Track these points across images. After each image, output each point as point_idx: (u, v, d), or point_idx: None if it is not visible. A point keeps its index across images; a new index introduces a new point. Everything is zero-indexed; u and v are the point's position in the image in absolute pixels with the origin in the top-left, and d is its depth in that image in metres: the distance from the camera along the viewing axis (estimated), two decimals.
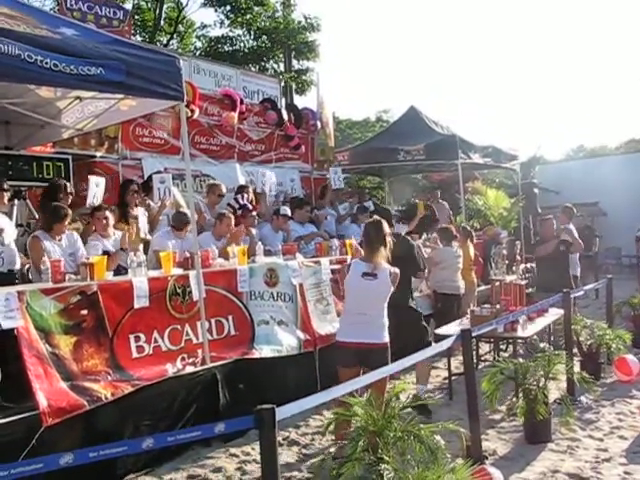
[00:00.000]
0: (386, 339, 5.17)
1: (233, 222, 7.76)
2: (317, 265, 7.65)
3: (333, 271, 7.74)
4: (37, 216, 7.04)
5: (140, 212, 7.51)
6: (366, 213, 10.98)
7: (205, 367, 5.89)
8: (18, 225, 6.78)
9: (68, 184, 7.13)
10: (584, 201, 18.75)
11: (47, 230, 6.22)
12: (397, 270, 5.22)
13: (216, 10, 19.66)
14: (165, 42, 19.93)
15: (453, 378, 7.19)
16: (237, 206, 8.43)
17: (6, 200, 6.43)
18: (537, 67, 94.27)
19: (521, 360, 6.10)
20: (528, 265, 11.32)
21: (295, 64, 19.70)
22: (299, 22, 19.26)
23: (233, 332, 6.49)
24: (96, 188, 7.23)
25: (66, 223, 6.29)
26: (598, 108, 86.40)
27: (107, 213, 6.85)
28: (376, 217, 5.49)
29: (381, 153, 13.31)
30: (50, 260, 5.35)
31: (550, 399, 6.01)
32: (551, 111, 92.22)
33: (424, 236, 10.25)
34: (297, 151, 11.88)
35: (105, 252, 6.38)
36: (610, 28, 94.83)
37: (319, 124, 12.32)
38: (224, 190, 8.97)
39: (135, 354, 5.51)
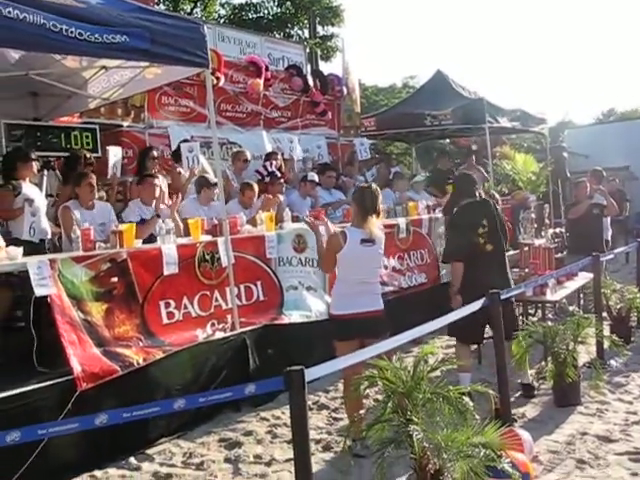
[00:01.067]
0: (383, 305, 5.09)
1: (257, 192, 7.80)
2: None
3: None
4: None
5: (160, 180, 7.53)
6: (402, 179, 10.96)
7: (235, 332, 5.97)
8: (48, 195, 6.86)
9: (88, 154, 7.19)
10: (614, 165, 18.45)
11: (75, 198, 6.30)
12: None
13: None
14: (189, 10, 19.83)
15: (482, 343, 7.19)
16: (265, 173, 8.44)
17: (35, 170, 6.51)
18: (566, 28, 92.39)
19: (550, 324, 6.07)
20: (557, 230, 11.21)
21: (320, 30, 19.55)
22: None
23: (262, 298, 6.55)
24: (115, 158, 7.30)
25: (89, 187, 6.33)
26: (630, 70, 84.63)
27: (156, 181, 6.90)
28: (373, 184, 5.38)
29: (407, 118, 13.19)
30: (80, 229, 5.42)
31: (579, 363, 6.00)
32: (581, 74, 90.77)
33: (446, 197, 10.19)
34: (323, 117, 11.82)
35: (142, 220, 6.46)
36: None
37: (345, 90, 12.24)
38: (249, 156, 8.99)
39: (165, 320, 5.59)
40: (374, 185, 5.27)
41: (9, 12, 4.26)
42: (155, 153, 7.85)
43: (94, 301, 5.07)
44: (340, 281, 5.06)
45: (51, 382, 4.57)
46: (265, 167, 8.55)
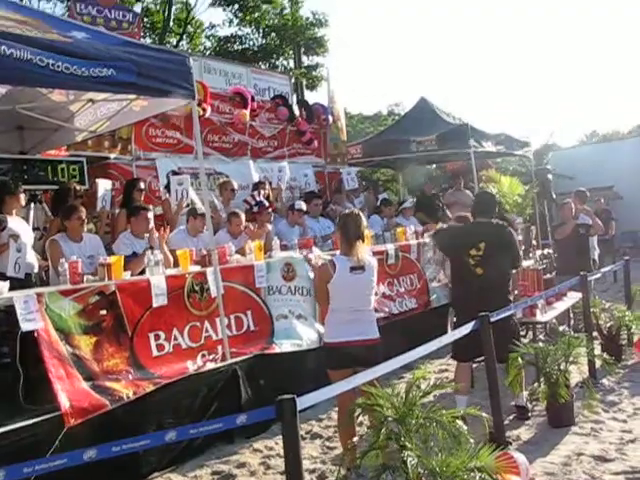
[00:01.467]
0: (378, 333, 5.00)
1: (244, 220, 7.83)
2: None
3: None
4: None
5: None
6: (390, 205, 11.03)
7: (226, 363, 5.93)
8: (35, 229, 6.84)
9: (78, 186, 7.20)
10: (599, 185, 18.65)
11: (64, 231, 6.28)
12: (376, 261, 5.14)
13: (224, 9, 19.73)
14: (175, 43, 20.00)
15: (474, 365, 7.17)
16: (253, 202, 8.46)
17: (22, 204, 6.50)
18: (548, 54, 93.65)
19: (541, 344, 6.08)
20: (545, 251, 11.28)
21: (305, 60, 19.75)
22: (307, 18, 19.28)
23: (252, 327, 6.53)
24: (104, 191, 7.31)
25: (79, 221, 6.33)
26: (610, 93, 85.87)
27: (150, 215, 6.90)
28: (354, 210, 5.31)
29: (393, 145, 13.30)
30: (68, 261, 5.39)
31: (572, 382, 6.00)
32: (563, 98, 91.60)
33: (438, 225, 10.25)
34: (310, 146, 11.89)
35: (134, 253, 6.44)
36: (622, 14, 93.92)
37: (331, 118, 12.33)
38: (236, 185, 9.04)
39: (155, 352, 5.55)
40: (356, 211, 5.23)
41: None
42: (142, 185, 7.87)
43: (82, 334, 5.03)
44: (333, 310, 4.97)
45: (39, 419, 4.51)
46: (253, 196, 8.57)
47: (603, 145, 28.28)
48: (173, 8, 20.30)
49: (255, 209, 8.37)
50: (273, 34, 19.32)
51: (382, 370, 4.22)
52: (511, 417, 5.95)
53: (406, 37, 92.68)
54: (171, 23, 20.22)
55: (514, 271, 7.82)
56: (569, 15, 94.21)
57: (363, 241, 5.02)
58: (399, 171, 16.88)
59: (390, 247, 8.64)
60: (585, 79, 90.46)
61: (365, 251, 5.05)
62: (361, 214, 5.11)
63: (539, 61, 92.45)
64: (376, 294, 7.66)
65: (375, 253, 7.76)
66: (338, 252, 5.14)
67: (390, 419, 3.87)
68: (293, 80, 15.65)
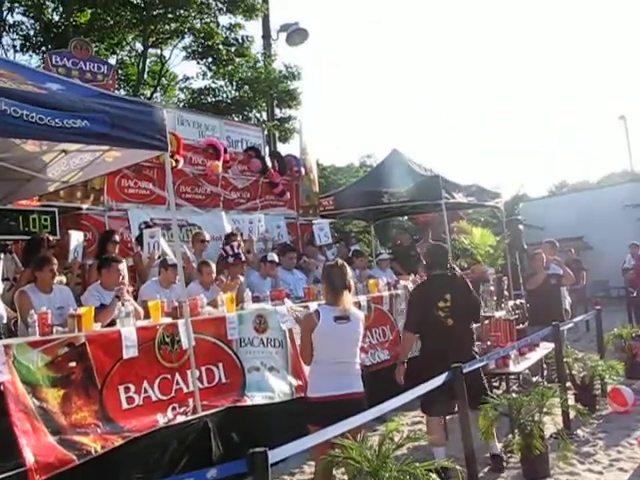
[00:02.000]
0: (363, 387, 4.93)
1: (214, 269, 7.83)
2: (306, 310, 7.62)
3: None
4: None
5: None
6: (361, 257, 11.07)
7: (196, 416, 5.82)
8: (5, 279, 6.75)
9: (50, 237, 7.15)
10: (569, 236, 18.94)
11: (34, 282, 6.21)
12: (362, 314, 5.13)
13: (198, 62, 19.95)
14: (149, 95, 20.11)
15: (448, 417, 7.12)
16: (231, 253, 8.45)
17: None
18: (517, 106, 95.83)
19: (515, 395, 6.07)
20: (517, 301, 11.34)
21: (278, 112, 19.89)
22: (280, 71, 19.51)
23: (224, 380, 6.44)
24: (77, 243, 7.26)
25: (51, 273, 6.27)
26: (579, 144, 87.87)
27: (120, 266, 6.84)
28: (339, 260, 5.33)
29: (365, 197, 13.36)
30: (37, 313, 5.31)
31: (546, 434, 5.98)
32: (533, 149, 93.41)
33: (411, 276, 10.30)
34: (282, 198, 11.97)
35: (102, 305, 6.37)
36: (587, 67, 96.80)
37: (303, 170, 12.44)
38: (207, 237, 9.04)
39: (125, 405, 5.44)
40: (340, 261, 5.25)
41: None
42: (117, 237, 7.87)
43: (50, 387, 4.92)
44: (317, 362, 4.90)
45: (2, 475, 4.37)
46: (232, 247, 8.55)
47: (573, 195, 28.82)
48: (147, 61, 20.49)
49: (230, 260, 8.35)
50: (246, 87, 19.50)
51: (355, 422, 4.18)
52: (486, 469, 5.90)
53: (377, 89, 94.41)
54: (145, 75, 20.38)
55: (486, 322, 7.89)
56: (536, 68, 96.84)
57: (349, 291, 5.01)
58: (371, 223, 16.98)
59: (362, 299, 8.63)
60: (554, 130, 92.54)
61: (351, 302, 5.03)
62: (345, 264, 5.13)
63: (508, 111, 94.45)
64: None
65: None
66: (320, 303, 5.13)
67: (364, 472, 3.82)
68: (266, 132, 15.80)
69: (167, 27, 18.85)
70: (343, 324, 4.84)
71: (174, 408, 5.78)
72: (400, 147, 14.38)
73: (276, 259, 9.07)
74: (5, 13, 17.89)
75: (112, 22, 17.96)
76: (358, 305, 8.36)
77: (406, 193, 12.56)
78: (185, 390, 5.96)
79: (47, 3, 17.77)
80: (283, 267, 9.34)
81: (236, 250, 8.47)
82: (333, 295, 4.93)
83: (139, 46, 20.18)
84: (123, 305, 5.90)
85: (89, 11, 17.87)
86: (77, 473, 4.68)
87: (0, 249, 6.85)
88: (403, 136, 79.12)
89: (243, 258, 8.47)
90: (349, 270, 5.12)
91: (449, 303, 5.99)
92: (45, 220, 7.61)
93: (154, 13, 17.97)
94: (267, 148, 14.19)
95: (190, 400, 5.92)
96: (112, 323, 6.04)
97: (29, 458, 4.45)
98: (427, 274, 6.56)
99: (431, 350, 5.99)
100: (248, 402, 6.39)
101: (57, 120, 4.73)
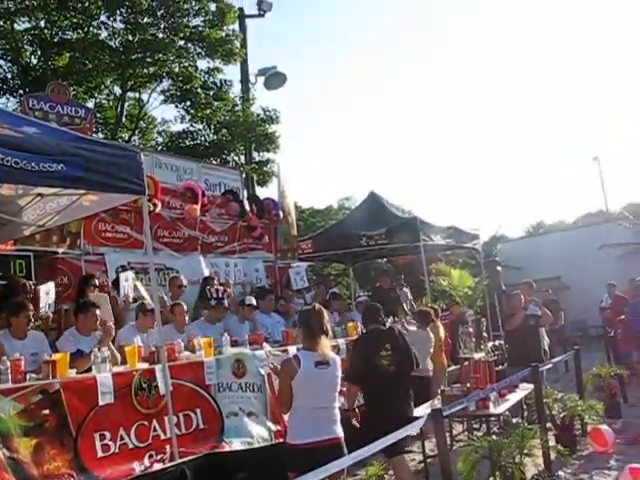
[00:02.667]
0: (342, 431, 4.91)
1: (186, 310, 7.82)
2: (285, 354, 7.55)
3: None
4: None
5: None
6: (339, 300, 11.05)
7: (174, 463, 5.70)
8: None
9: (28, 283, 7.06)
10: (547, 276, 19.10)
11: (8, 327, 6.11)
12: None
13: (177, 106, 20.02)
14: (127, 138, 20.12)
15: (428, 460, 7.06)
16: (215, 296, 8.40)
17: None
18: (494, 148, 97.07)
19: (495, 437, 6.03)
20: (496, 342, 11.36)
21: (256, 156, 19.97)
22: (258, 115, 19.65)
23: (202, 426, 6.32)
24: (47, 296, 7.16)
25: (26, 319, 6.16)
26: (555, 185, 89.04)
27: (97, 312, 6.75)
28: (316, 305, 5.37)
29: (344, 239, 13.43)
30: (10, 359, 5.21)
31: (528, 475, 5.94)
32: (510, 190, 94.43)
33: (389, 319, 10.27)
34: (260, 241, 11.97)
35: (79, 351, 6.27)
36: (561, 110, 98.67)
37: (281, 213, 12.46)
38: (184, 281, 8.97)
39: (100, 453, 5.32)
40: (318, 305, 5.26)
41: None
42: (96, 281, 7.79)
43: (22, 436, 4.80)
44: (298, 407, 4.85)
45: None
46: (217, 291, 8.51)
47: (550, 236, 29.15)
48: (126, 104, 20.58)
49: (212, 302, 8.33)
50: (224, 130, 19.59)
51: (335, 467, 4.12)
52: None
53: (355, 132, 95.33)
54: (123, 119, 20.43)
55: (466, 363, 7.89)
56: (513, 109, 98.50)
57: (327, 336, 5.01)
58: (350, 265, 17.01)
59: (342, 342, 8.58)
60: (531, 170, 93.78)
61: (328, 346, 5.03)
62: (323, 309, 5.13)
63: (486, 152, 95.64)
64: None
65: None
66: (298, 347, 5.09)
67: None
68: (244, 175, 15.84)
69: (145, 71, 18.97)
70: (324, 369, 4.83)
71: (151, 455, 5.66)
72: (378, 189, 14.55)
73: (254, 303, 9.02)
74: None
75: (90, 66, 18.02)
76: (337, 349, 8.31)
77: (385, 235, 12.63)
78: (162, 437, 5.85)
79: (25, 47, 17.85)
80: (261, 311, 9.28)
81: (220, 295, 8.44)
82: (311, 340, 4.92)
83: (117, 89, 20.27)
84: (99, 350, 5.81)
85: (67, 55, 17.95)
86: None
87: None
88: (382, 177, 79.53)
89: (225, 304, 8.44)
90: (326, 314, 5.13)
91: (390, 352, 6.38)
92: (20, 265, 7.53)
93: (132, 57, 18.09)
94: (245, 191, 14.21)
95: (167, 447, 5.80)
96: (88, 369, 5.95)
97: None
98: (365, 328, 7.12)
99: (377, 400, 6.35)
100: (227, 448, 6.28)
101: (33, 164, 4.72)
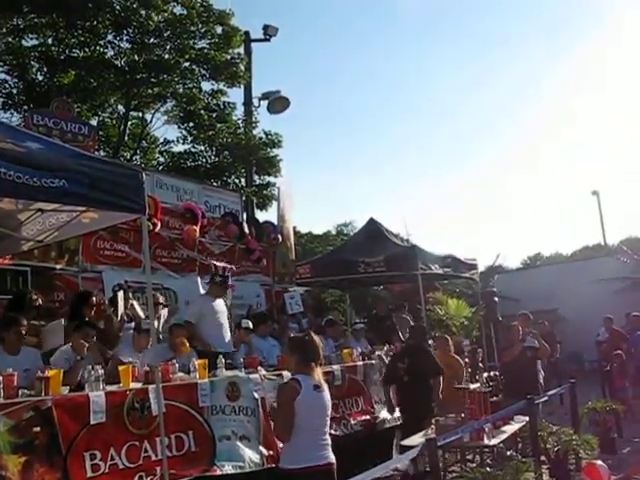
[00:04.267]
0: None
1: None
2: (279, 378, 7.51)
3: None
4: None
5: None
6: (335, 326, 11.03)
7: None
8: None
9: (34, 296, 7.04)
10: (544, 308, 19.08)
11: (1, 343, 6.08)
12: None
13: (179, 127, 20.13)
14: (129, 157, 20.15)
15: None
16: (220, 274, 8.68)
17: None
18: (493, 178, 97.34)
19: (489, 469, 5.98)
20: (491, 373, 11.30)
21: (256, 179, 20.02)
22: (260, 138, 19.75)
23: (193, 448, 6.26)
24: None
25: (16, 335, 6.15)
26: (552, 218, 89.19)
27: (92, 333, 6.74)
28: (310, 333, 5.38)
29: (341, 265, 13.43)
30: (3, 375, 5.18)
31: None
32: (508, 221, 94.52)
33: (386, 347, 10.24)
34: (258, 264, 11.96)
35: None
36: (560, 143, 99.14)
37: (280, 237, 12.47)
38: (161, 299, 8.83)
39: (90, 473, 5.26)
40: (313, 334, 5.29)
41: None
42: (94, 300, 7.77)
43: (11, 454, 4.74)
44: (299, 430, 4.82)
45: None
46: (224, 269, 8.81)
47: (547, 268, 29.24)
48: (129, 123, 20.67)
49: (217, 279, 8.59)
50: (226, 152, 19.66)
51: None
52: None
53: (354, 157, 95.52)
54: (126, 137, 20.51)
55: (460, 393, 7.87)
56: (512, 146, 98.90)
57: (320, 365, 5.14)
58: (347, 291, 16.99)
59: (336, 368, 8.55)
60: (529, 203, 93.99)
61: (320, 374, 5.09)
62: (317, 338, 5.20)
63: (487, 182, 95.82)
64: None
65: (322, 374, 7.77)
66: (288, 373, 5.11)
67: None
68: (244, 198, 15.87)
69: (150, 91, 19.05)
70: (321, 392, 4.91)
71: (141, 477, 5.60)
72: (377, 215, 14.60)
73: (250, 326, 8.99)
74: None
75: (95, 84, 18.14)
76: (332, 374, 8.30)
77: (382, 263, 12.64)
78: (153, 458, 5.79)
79: (32, 63, 17.98)
80: (257, 334, 9.25)
81: (227, 273, 8.56)
82: (305, 366, 4.97)
83: (121, 108, 20.35)
84: (93, 368, 5.77)
85: (73, 72, 18.09)
86: None
87: None
88: (380, 203, 79.30)
89: (229, 283, 8.55)
90: (322, 343, 5.26)
91: (406, 365, 8.28)
92: (16, 279, 7.51)
93: (137, 77, 18.20)
94: (245, 214, 14.25)
95: (158, 469, 5.73)
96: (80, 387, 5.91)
97: None
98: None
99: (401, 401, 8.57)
100: (217, 472, 6.22)
101: (35, 179, 4.72)
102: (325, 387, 5.02)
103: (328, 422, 5.00)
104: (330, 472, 4.74)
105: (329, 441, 4.95)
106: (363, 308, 21.89)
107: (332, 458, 4.86)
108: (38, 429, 5.00)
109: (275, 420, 5.64)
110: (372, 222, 14.37)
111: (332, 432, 7.83)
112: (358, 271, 13.07)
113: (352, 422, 8.50)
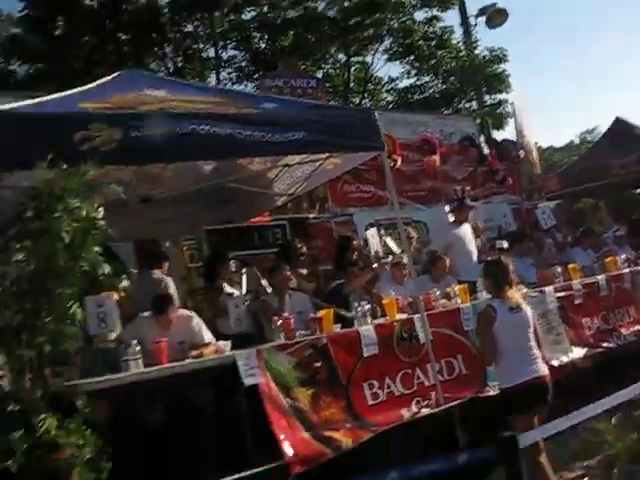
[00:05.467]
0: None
1: (447, 263, 7.83)
2: (541, 294, 7.34)
3: (559, 299, 7.40)
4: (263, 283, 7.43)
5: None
6: (591, 236, 10.50)
7: (440, 408, 5.81)
8: (248, 291, 7.25)
9: (298, 244, 7.50)
10: None
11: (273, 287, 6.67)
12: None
13: (401, 62, 20.09)
14: (357, 102, 20.52)
15: None
16: (459, 197, 8.71)
17: (233, 270, 6.99)
18: None
19: None
20: None
21: (487, 99, 19.42)
22: (484, 57, 19.07)
23: (464, 371, 6.35)
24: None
25: (283, 280, 6.69)
26: None
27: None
28: (501, 257, 5.61)
29: (591, 172, 12.69)
30: (281, 318, 5.65)
31: None
32: None
33: None
34: (503, 184, 11.66)
35: None
36: None
37: (522, 153, 12.04)
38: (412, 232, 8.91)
39: (370, 401, 5.58)
40: (503, 258, 5.50)
41: (202, 129, 4.73)
42: (355, 243, 7.97)
43: (300, 387, 5.19)
44: (504, 353, 5.11)
45: (263, 467, 4.66)
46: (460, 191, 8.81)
47: None
48: (352, 69, 21.04)
49: (455, 203, 8.66)
50: (452, 78, 19.34)
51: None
52: None
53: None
54: (351, 84, 20.93)
55: None
56: None
57: (511, 287, 5.24)
58: (600, 199, 15.99)
59: (600, 278, 8.13)
60: None
61: (518, 295, 5.31)
62: (507, 261, 5.38)
63: None
64: (590, 329, 7.45)
65: (585, 285, 7.63)
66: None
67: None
68: (478, 121, 15.50)
69: (366, 34, 19.20)
70: (519, 312, 5.10)
71: (418, 402, 5.81)
72: (625, 114, 13.48)
73: (505, 246, 8.84)
74: (220, 51, 19.39)
75: (314, 39, 18.70)
76: (597, 285, 7.94)
77: (638, 162, 11.73)
78: (427, 383, 5.97)
79: (253, 34, 18.91)
80: (513, 254, 9.06)
81: (464, 195, 8.67)
82: (498, 291, 5.20)
83: (342, 57, 20.81)
84: (359, 305, 6.08)
85: (291, 33, 18.76)
86: (324, 466, 4.88)
87: (242, 264, 7.34)
88: (628, 102, 72.66)
89: (468, 203, 8.63)
90: (511, 266, 5.33)
91: None
92: (277, 233, 8.06)
93: (351, 23, 18.40)
94: (482, 136, 13.93)
95: (432, 393, 5.91)
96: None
97: (288, 452, 4.73)
98: None
99: None
100: (491, 392, 6.28)
101: (277, 136, 5.04)
102: (524, 306, 5.17)
103: (532, 338, 5.18)
104: (541, 385, 4.96)
105: (538, 355, 5.14)
106: (622, 214, 20.47)
107: (543, 370, 5.07)
108: (319, 364, 5.41)
109: (480, 346, 5.85)
110: (619, 121, 13.33)
111: (605, 345, 7.59)
112: (611, 174, 12.25)
113: (624, 333, 8.07)
